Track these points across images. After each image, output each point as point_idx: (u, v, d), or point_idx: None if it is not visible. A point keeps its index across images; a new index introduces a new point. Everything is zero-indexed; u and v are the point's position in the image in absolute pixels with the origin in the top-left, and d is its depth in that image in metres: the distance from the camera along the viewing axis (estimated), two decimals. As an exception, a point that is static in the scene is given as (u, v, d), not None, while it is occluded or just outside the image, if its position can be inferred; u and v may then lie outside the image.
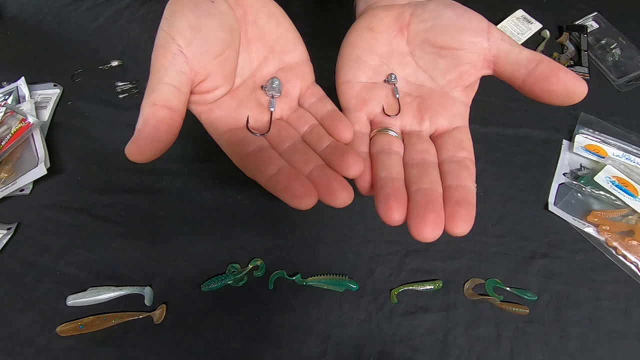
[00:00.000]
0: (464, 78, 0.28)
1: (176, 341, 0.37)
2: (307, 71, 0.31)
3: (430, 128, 0.28)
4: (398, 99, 0.29)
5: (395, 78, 0.29)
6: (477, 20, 0.27)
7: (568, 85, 0.24)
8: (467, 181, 0.24)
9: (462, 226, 0.22)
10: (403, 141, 0.28)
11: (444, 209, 0.22)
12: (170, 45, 0.24)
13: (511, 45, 0.26)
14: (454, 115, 0.28)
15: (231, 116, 0.27)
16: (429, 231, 0.21)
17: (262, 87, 0.29)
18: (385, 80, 0.30)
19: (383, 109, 0.29)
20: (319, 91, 0.31)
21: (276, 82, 0.29)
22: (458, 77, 0.28)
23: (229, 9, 0.27)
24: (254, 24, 0.29)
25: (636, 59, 0.53)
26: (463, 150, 0.26)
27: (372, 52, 0.30)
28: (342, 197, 0.23)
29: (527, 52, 0.25)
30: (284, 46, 0.30)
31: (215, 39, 0.26)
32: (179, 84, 0.24)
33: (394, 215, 0.22)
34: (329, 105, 0.29)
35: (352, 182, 0.24)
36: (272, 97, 0.29)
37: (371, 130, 0.29)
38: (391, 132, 0.28)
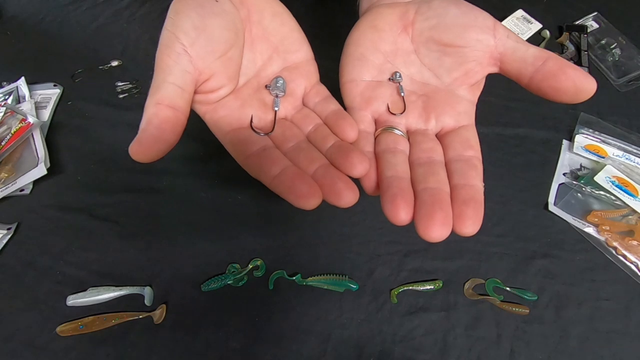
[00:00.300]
0: (470, 76, 0.28)
1: (176, 341, 0.37)
2: (311, 70, 0.31)
3: (436, 127, 0.28)
4: (403, 97, 0.28)
5: (400, 76, 0.29)
6: (482, 18, 0.27)
7: (577, 82, 0.23)
8: (474, 180, 0.24)
9: (470, 226, 0.22)
10: (409, 140, 0.28)
11: (452, 208, 0.22)
12: (174, 44, 0.24)
13: (518, 43, 0.26)
14: (460, 113, 0.28)
15: (235, 116, 0.27)
16: (436, 231, 0.21)
17: (266, 86, 0.29)
18: (389, 79, 0.29)
19: (388, 108, 0.29)
20: (323, 90, 0.30)
21: (280, 82, 0.29)
22: (464, 75, 0.28)
23: (233, 8, 0.27)
24: (259, 23, 0.29)
25: (636, 59, 0.53)
26: (470, 149, 0.26)
27: (377, 50, 0.30)
28: (348, 197, 0.23)
29: (534, 50, 0.25)
30: (288, 46, 0.30)
31: (219, 38, 0.26)
32: (183, 84, 0.24)
33: (401, 214, 0.22)
34: (334, 104, 0.29)
35: (356, 182, 0.24)
36: (277, 96, 0.29)
37: (376, 129, 0.28)
38: (396, 131, 0.27)
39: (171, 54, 0.24)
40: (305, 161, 0.25)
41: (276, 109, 0.28)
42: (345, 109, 0.29)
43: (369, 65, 0.30)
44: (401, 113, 0.28)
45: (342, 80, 0.30)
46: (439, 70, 0.29)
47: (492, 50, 0.26)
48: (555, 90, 0.24)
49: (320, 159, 0.25)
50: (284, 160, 0.25)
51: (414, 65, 0.30)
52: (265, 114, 0.28)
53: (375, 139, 0.28)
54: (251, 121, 0.27)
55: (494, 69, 0.27)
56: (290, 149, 0.26)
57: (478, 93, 0.29)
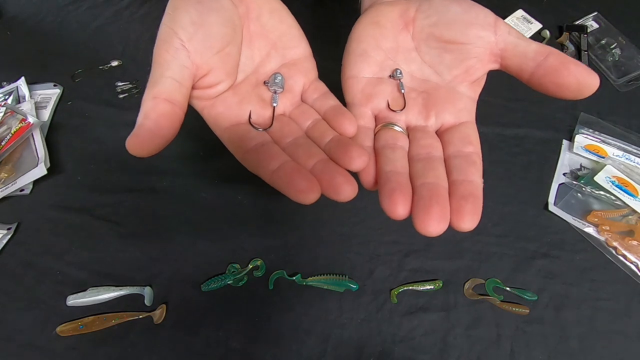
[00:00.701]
0: (471, 73, 0.28)
1: (176, 341, 0.37)
2: (310, 67, 0.31)
3: (436, 123, 0.28)
4: (403, 94, 0.28)
5: (401, 73, 0.29)
6: (484, 14, 0.27)
7: (579, 78, 0.23)
8: (473, 176, 0.24)
9: (469, 221, 0.22)
10: (408, 137, 0.27)
11: (450, 203, 0.22)
12: (172, 39, 0.24)
13: (519, 39, 0.26)
14: (460, 110, 0.28)
15: (233, 112, 0.27)
16: (433, 225, 0.21)
17: (264, 82, 0.29)
18: (390, 76, 0.30)
19: (388, 104, 0.29)
20: (322, 87, 0.30)
21: (279, 78, 0.29)
22: (464, 71, 0.28)
23: (231, 5, 0.27)
24: (257, 20, 0.29)
25: (636, 59, 0.53)
26: (470, 145, 0.26)
27: (378, 47, 0.30)
28: (346, 191, 0.23)
29: (536, 45, 0.25)
30: (286, 42, 0.30)
31: (217, 34, 0.26)
32: (181, 78, 0.24)
33: (399, 209, 0.22)
34: (332, 100, 0.29)
35: (356, 177, 0.24)
36: (275, 92, 0.29)
37: (376, 126, 0.28)
38: (396, 127, 0.27)
39: (169, 49, 0.24)
40: (303, 156, 0.25)
41: (275, 105, 0.28)
42: (345, 105, 0.29)
43: (370, 61, 0.30)
44: (401, 110, 0.28)
45: (343, 77, 0.30)
46: (440, 67, 0.29)
47: (492, 47, 0.26)
48: (557, 85, 0.24)
49: (318, 154, 0.25)
50: (282, 155, 0.25)
51: (415, 62, 0.30)
52: (263, 110, 0.28)
53: (375, 135, 0.28)
54: (250, 116, 0.27)
55: (494, 66, 0.27)
56: (288, 144, 0.26)
57: (479, 90, 0.29)
